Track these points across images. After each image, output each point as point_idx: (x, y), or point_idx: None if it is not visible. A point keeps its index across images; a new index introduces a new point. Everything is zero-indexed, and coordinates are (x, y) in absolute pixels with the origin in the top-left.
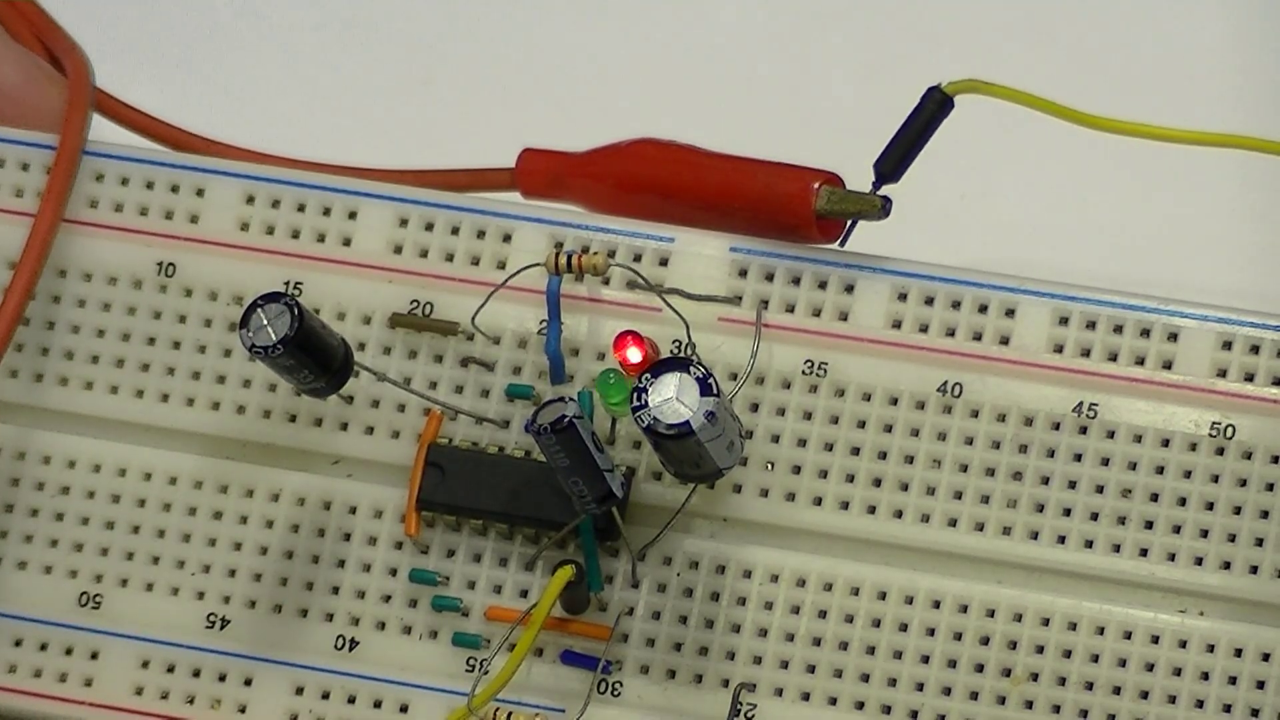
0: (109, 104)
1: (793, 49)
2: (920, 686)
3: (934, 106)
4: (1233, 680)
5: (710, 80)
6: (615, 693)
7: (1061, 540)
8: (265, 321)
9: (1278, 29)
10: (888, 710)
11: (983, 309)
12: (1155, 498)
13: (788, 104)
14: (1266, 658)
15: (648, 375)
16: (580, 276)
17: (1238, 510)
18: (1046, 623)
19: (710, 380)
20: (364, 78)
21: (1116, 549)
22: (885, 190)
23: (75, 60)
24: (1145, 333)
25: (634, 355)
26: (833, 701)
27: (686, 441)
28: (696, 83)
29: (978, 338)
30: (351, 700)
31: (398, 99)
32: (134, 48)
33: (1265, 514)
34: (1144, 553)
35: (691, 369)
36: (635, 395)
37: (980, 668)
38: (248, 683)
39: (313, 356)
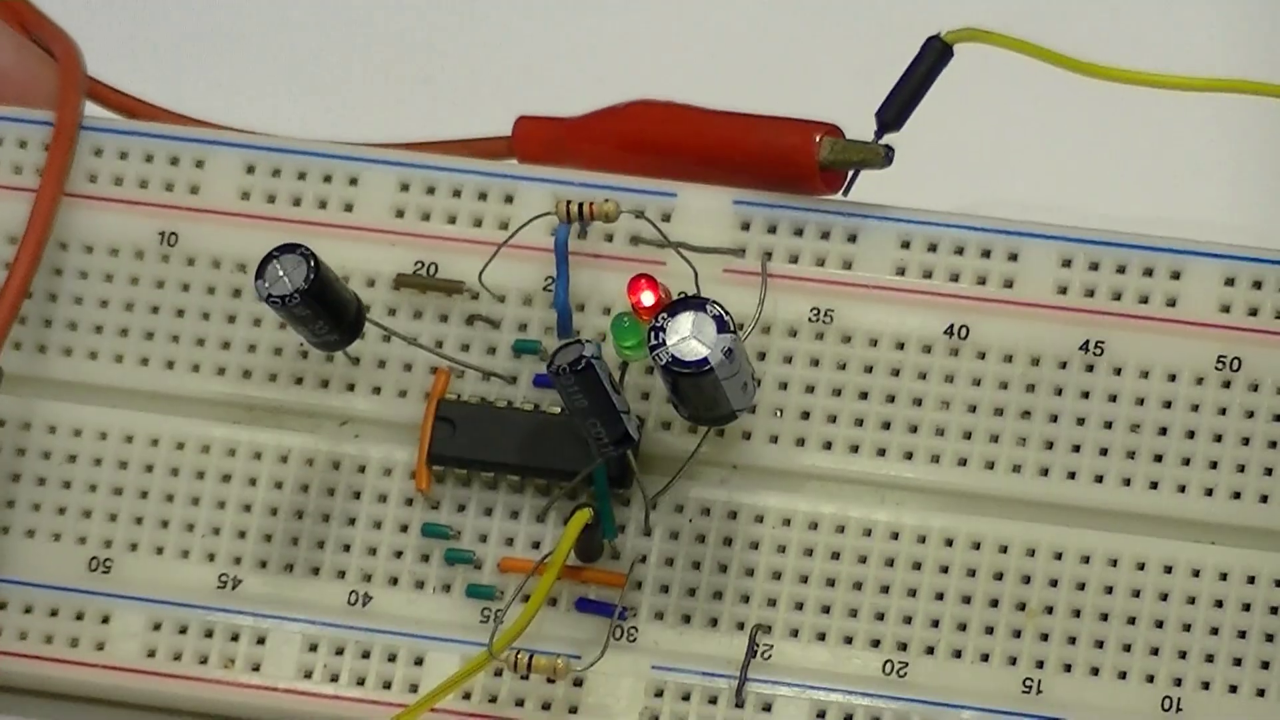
0: (102, 92)
1: (790, 4)
2: (935, 623)
3: (934, 56)
4: (1247, 607)
5: (709, 68)
6: (631, 639)
7: (1072, 476)
8: (282, 272)
9: None
10: (904, 647)
11: (986, 254)
12: (1164, 431)
13: (786, 56)
14: (1278, 584)
15: (664, 315)
16: (584, 230)
17: (1246, 441)
18: (1059, 557)
19: (727, 317)
20: (364, 77)
21: (1127, 483)
22: (887, 139)
23: (64, 44)
24: (1149, 272)
25: (648, 298)
26: (848, 640)
27: (704, 380)
28: (697, 76)
29: (982, 282)
30: (366, 655)
31: (398, 99)
32: (132, 47)
33: (1273, 444)
34: (1154, 485)
35: (708, 306)
36: (652, 335)
37: (995, 603)
38: (260, 641)
39: (328, 307)
